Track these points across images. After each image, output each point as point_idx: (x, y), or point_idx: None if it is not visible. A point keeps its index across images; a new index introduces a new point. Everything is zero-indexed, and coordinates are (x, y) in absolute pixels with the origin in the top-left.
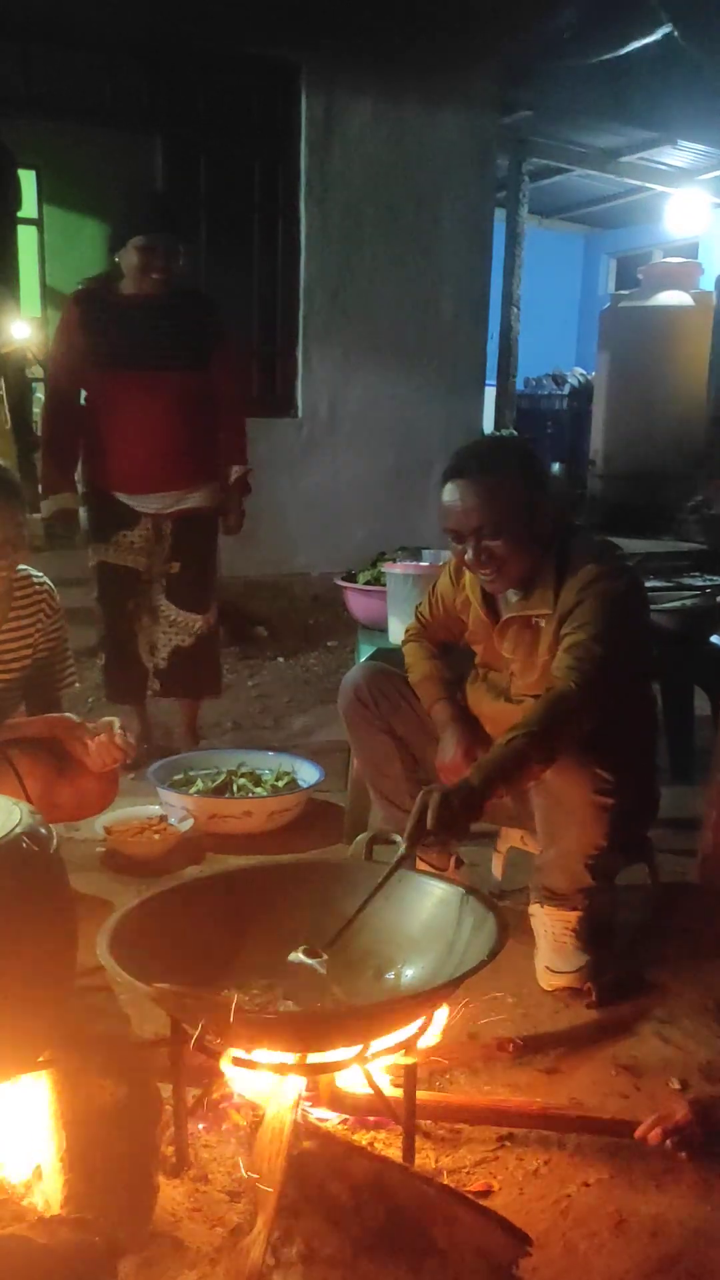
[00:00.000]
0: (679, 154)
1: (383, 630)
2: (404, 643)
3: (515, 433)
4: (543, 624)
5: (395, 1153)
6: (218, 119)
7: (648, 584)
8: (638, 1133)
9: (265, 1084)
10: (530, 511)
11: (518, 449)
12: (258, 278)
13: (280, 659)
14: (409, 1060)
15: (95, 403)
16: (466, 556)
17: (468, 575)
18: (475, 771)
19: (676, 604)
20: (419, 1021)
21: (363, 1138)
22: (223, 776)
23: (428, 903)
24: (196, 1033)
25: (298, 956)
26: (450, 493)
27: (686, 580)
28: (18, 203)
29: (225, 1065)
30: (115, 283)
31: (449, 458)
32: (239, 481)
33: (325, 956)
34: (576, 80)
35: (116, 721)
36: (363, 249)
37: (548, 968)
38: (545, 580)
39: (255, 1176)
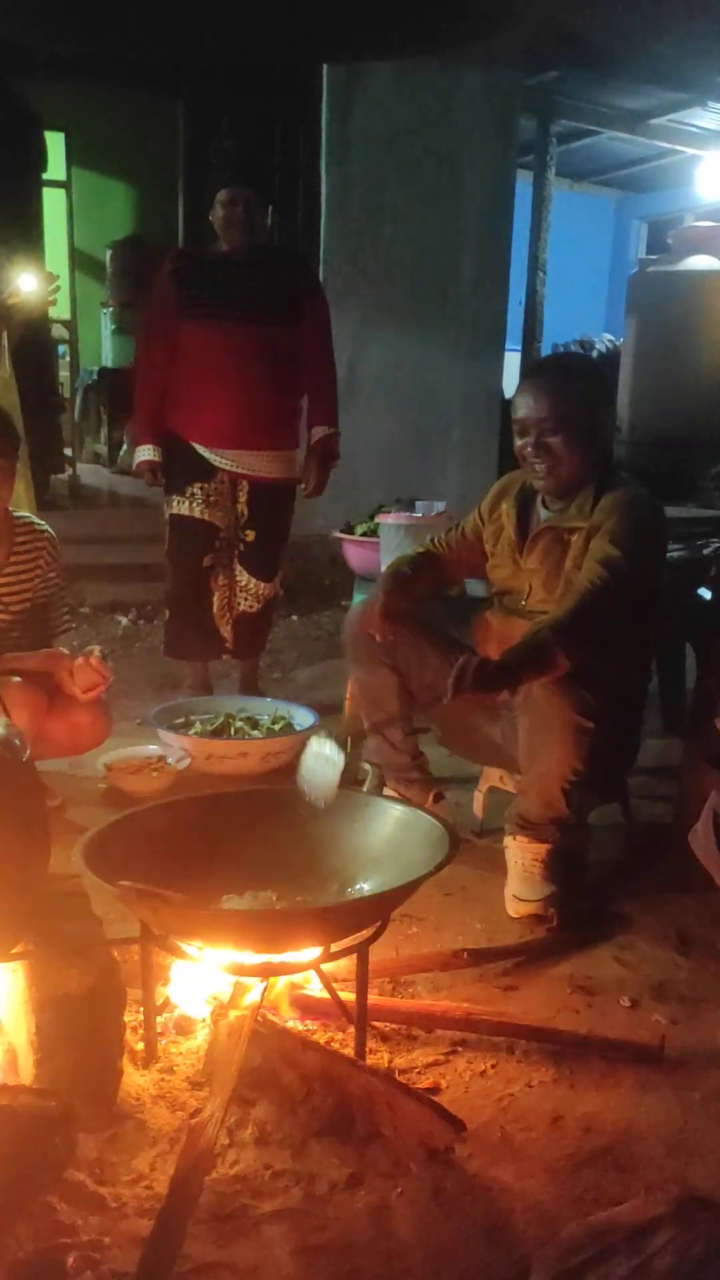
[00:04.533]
0: (710, 116)
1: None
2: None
3: None
4: (574, 539)
5: (350, 1052)
6: (240, 80)
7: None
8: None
9: (227, 982)
10: (590, 421)
11: (592, 366)
12: (277, 239)
13: (295, 617)
14: (362, 962)
15: (183, 353)
16: (527, 450)
17: (505, 503)
18: (506, 655)
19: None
20: (372, 927)
21: (320, 1037)
22: (221, 720)
23: (388, 824)
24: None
25: (321, 742)
26: (523, 391)
27: (706, 549)
28: (43, 164)
29: (189, 964)
30: (213, 243)
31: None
32: (321, 443)
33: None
34: (605, 40)
35: (97, 649)
36: (383, 211)
37: (515, 896)
38: (584, 496)
39: (214, 1066)
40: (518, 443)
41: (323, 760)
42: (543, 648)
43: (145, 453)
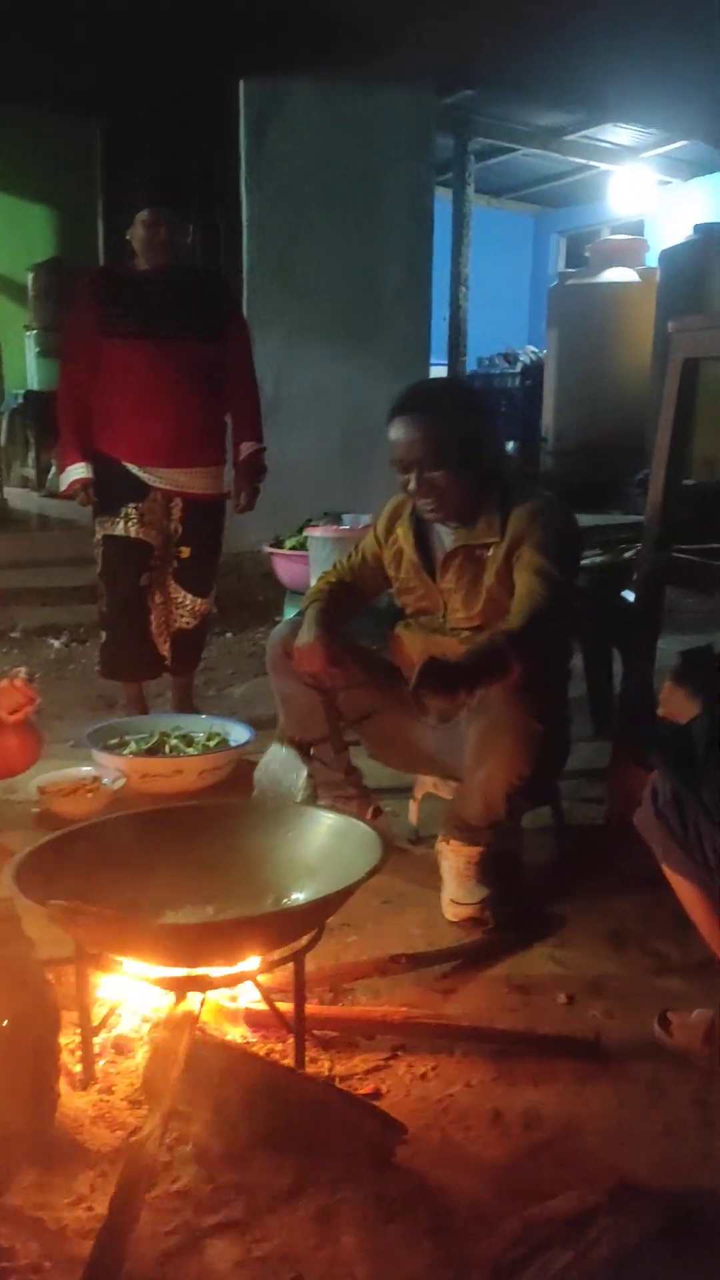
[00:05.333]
0: (621, 131)
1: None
2: (319, 579)
3: None
4: (489, 552)
5: (290, 1062)
6: (157, 101)
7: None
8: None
9: (164, 998)
10: (470, 445)
11: (459, 387)
12: (199, 259)
13: (229, 634)
14: (298, 971)
15: (108, 372)
16: (410, 487)
17: (400, 527)
18: (464, 658)
19: (585, 561)
20: (308, 936)
21: (260, 1049)
22: (155, 738)
23: (321, 833)
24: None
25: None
26: (396, 428)
27: (627, 553)
28: None
29: (125, 980)
30: (129, 261)
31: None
32: (250, 459)
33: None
34: (517, 59)
35: (23, 671)
36: (304, 230)
37: (452, 900)
38: (490, 511)
39: (152, 1084)
40: (400, 478)
41: (285, 767)
42: (500, 652)
43: (77, 471)
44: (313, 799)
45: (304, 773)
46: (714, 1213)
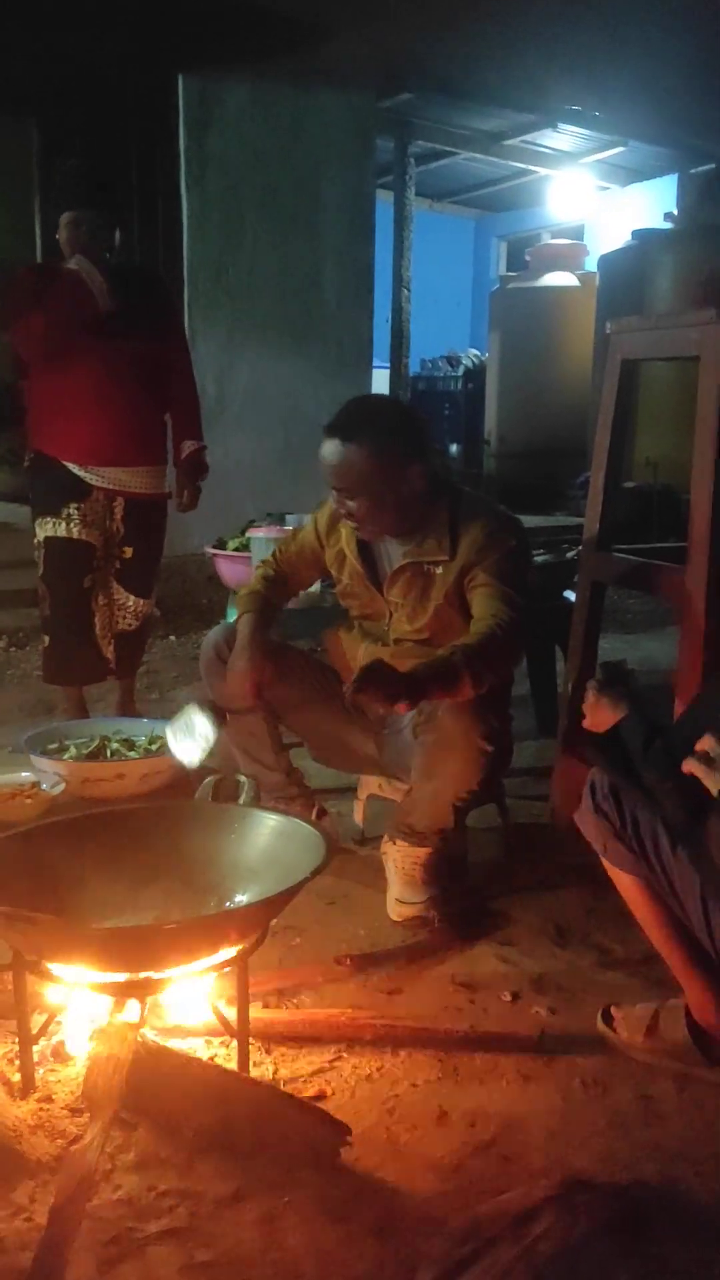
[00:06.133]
0: (560, 137)
1: None
2: (255, 568)
3: None
4: (438, 570)
5: (234, 1066)
6: (93, 99)
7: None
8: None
9: (104, 1004)
10: (393, 475)
11: (396, 408)
12: (137, 258)
13: (172, 637)
14: (241, 974)
15: (48, 371)
16: (335, 505)
17: (344, 529)
18: (418, 668)
19: None
20: (251, 938)
21: (204, 1053)
22: (96, 742)
23: (264, 834)
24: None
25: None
26: (330, 450)
27: (569, 553)
28: None
29: (65, 987)
30: (65, 261)
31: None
32: (191, 457)
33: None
34: (455, 63)
35: None
36: (244, 230)
37: (397, 900)
38: (438, 530)
39: (93, 1091)
40: (334, 498)
41: (200, 722)
42: (454, 670)
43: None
44: (255, 801)
45: (216, 732)
46: (658, 1205)
